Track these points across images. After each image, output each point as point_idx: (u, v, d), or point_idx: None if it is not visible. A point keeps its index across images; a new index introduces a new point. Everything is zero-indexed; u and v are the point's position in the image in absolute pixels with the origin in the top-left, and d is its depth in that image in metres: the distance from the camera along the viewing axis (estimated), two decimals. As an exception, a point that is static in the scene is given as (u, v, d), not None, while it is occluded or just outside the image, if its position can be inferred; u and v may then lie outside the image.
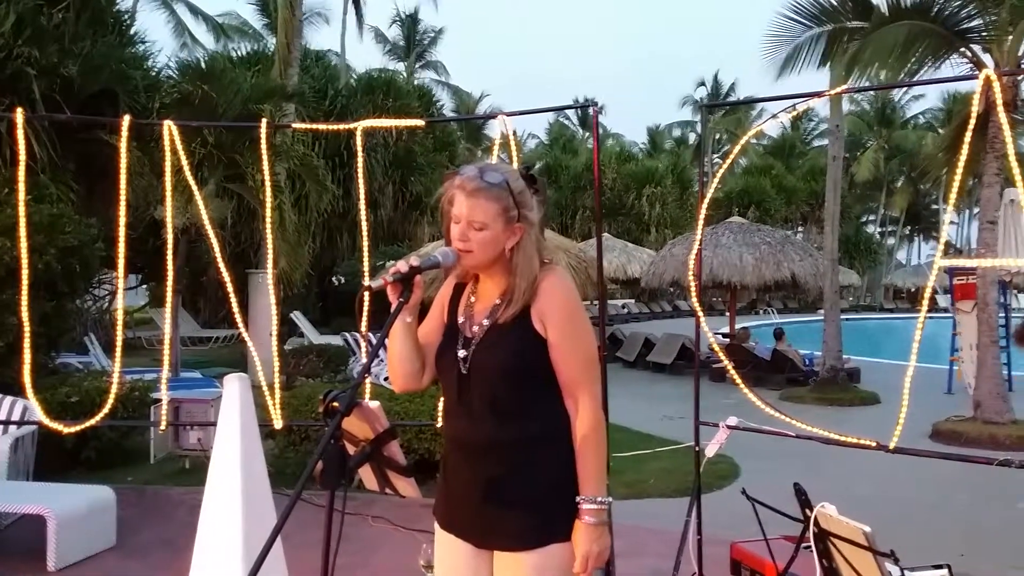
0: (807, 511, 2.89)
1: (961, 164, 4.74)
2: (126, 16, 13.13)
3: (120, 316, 5.27)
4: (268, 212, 5.18)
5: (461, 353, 2.14)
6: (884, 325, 30.56)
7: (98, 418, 4.90)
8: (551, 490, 2.09)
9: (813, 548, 2.86)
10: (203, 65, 13.84)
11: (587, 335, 2.15)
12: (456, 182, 2.09)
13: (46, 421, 4.80)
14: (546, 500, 2.09)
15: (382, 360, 10.38)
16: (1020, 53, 9.33)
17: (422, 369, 2.24)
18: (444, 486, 2.24)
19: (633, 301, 34.23)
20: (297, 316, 17.67)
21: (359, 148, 4.73)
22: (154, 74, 12.29)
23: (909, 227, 52.24)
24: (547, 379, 2.11)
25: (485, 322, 2.15)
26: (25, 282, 4.54)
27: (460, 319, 2.22)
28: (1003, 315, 11.59)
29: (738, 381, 4.20)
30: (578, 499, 2.06)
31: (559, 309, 2.10)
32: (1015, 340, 11.88)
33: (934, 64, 9.93)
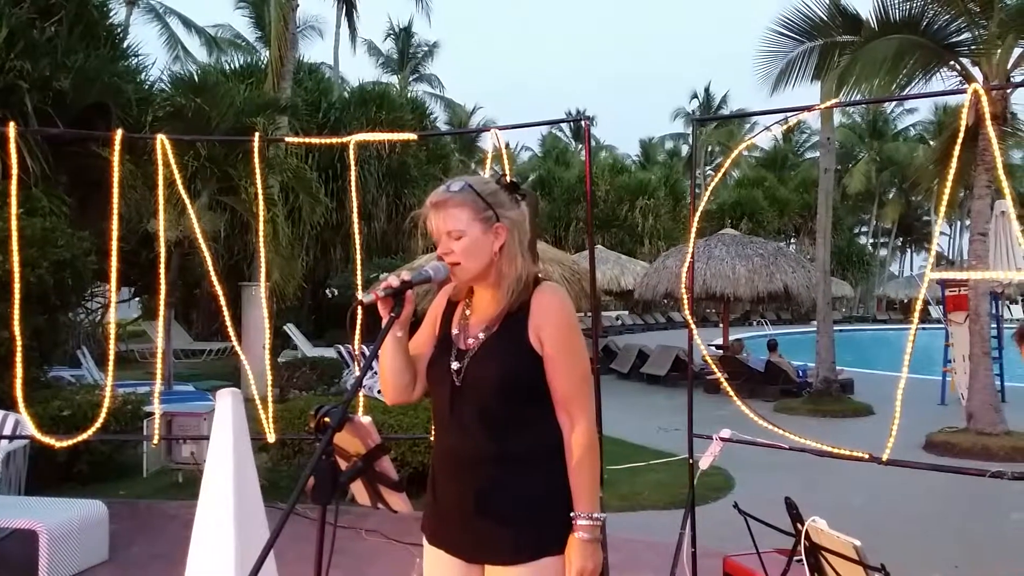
0: (798, 525, 2.90)
1: (951, 176, 4.79)
2: (119, 29, 13.16)
3: (113, 329, 5.26)
4: (261, 225, 5.22)
5: (455, 365, 2.14)
6: (877, 336, 30.66)
7: (90, 432, 4.88)
8: (543, 504, 2.08)
9: (805, 562, 2.87)
10: (196, 78, 13.87)
11: (583, 351, 2.17)
12: (427, 203, 2.14)
13: (38, 435, 4.79)
14: (538, 514, 2.08)
15: (375, 373, 10.35)
16: (1009, 66, 9.40)
17: (413, 382, 2.25)
18: (433, 501, 2.23)
19: (627, 313, 34.25)
20: (290, 329, 17.63)
21: (352, 161, 4.75)
22: (147, 87, 12.30)
23: (901, 238, 52.48)
24: (541, 394, 2.11)
25: (480, 335, 2.15)
26: (17, 295, 4.53)
27: (454, 331, 2.22)
28: (995, 326, 11.64)
29: (731, 393, 4.21)
30: (573, 515, 2.06)
31: (556, 324, 2.11)
32: (1016, 340, 11.89)
33: (924, 77, 10.00)
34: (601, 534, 2.10)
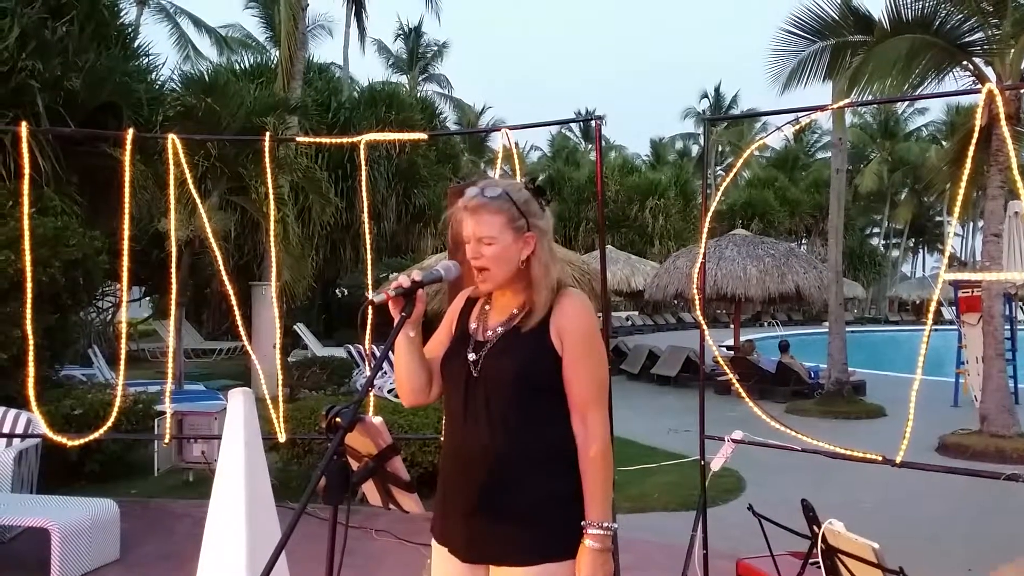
0: (815, 527, 2.87)
1: (965, 177, 4.75)
2: (130, 29, 13.15)
3: (124, 328, 5.27)
4: (271, 224, 5.22)
5: (472, 356, 2.13)
6: (889, 338, 30.50)
7: (102, 431, 4.90)
8: (551, 507, 2.06)
9: (821, 565, 2.84)
10: (206, 78, 13.88)
11: (602, 358, 2.17)
12: (460, 204, 2.12)
13: (50, 434, 4.80)
14: (546, 517, 2.06)
15: (386, 372, 10.39)
16: (1023, 66, 9.33)
17: (429, 383, 2.24)
18: (441, 499, 2.21)
19: (637, 313, 34.19)
20: (300, 328, 17.67)
21: (362, 161, 4.75)
22: (157, 87, 12.29)
23: (913, 239, 52.19)
24: (556, 395, 2.09)
25: (500, 329, 2.14)
26: (29, 295, 4.55)
27: (472, 324, 2.21)
28: (1009, 328, 11.58)
29: (743, 394, 4.19)
30: (584, 523, 2.04)
31: (578, 327, 2.10)
32: None
33: (937, 77, 9.94)
34: (612, 543, 2.08)
